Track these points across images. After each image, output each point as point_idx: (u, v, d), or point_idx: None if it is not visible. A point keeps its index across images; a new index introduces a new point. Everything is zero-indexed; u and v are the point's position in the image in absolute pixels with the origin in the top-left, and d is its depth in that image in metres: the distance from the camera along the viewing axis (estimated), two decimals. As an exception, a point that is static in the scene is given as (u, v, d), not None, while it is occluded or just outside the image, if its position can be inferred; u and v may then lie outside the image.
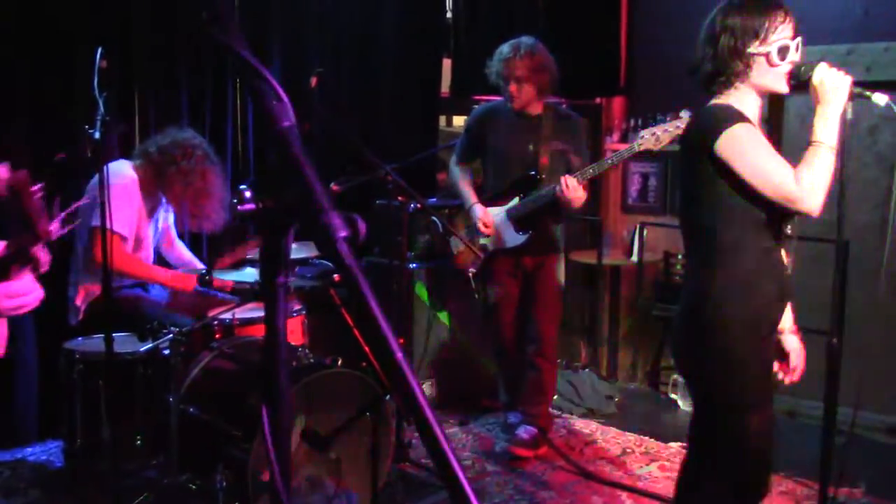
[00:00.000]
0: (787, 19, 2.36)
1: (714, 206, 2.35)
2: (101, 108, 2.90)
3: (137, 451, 3.28)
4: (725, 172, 2.30)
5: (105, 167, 2.89)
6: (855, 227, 4.75)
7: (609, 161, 3.87)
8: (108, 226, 2.86)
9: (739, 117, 2.33)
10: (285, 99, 0.89)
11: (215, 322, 3.49)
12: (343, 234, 0.83)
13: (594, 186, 4.31)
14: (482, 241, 4.11)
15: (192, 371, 3.31)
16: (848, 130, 2.41)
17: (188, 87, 4.28)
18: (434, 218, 4.10)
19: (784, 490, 3.74)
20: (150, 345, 3.06)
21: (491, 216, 4.05)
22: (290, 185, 0.86)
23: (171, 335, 3.08)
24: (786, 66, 2.36)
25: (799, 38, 2.38)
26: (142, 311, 3.57)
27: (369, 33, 4.92)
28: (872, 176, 4.70)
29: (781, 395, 4.74)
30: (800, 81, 2.39)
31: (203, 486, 3.10)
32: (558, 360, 4.93)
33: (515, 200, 4.02)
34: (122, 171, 3.62)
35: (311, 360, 3.29)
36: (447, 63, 5.18)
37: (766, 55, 2.34)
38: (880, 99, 2.37)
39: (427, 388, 4.59)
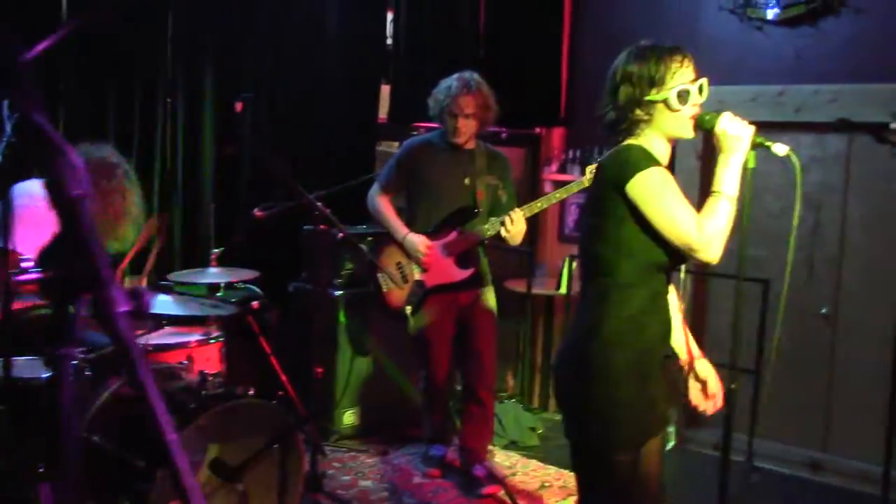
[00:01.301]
0: (685, 63, 2.39)
1: (618, 243, 2.39)
2: (8, 131, 2.84)
3: (40, 479, 3.19)
4: (634, 213, 2.34)
5: (11, 188, 2.84)
6: (781, 265, 4.81)
7: (556, 195, 3.88)
8: (6, 245, 2.81)
9: (653, 160, 2.37)
10: (79, 165, 0.87)
11: (128, 347, 3.43)
12: (123, 308, 0.81)
13: (532, 217, 4.30)
14: (416, 276, 4.03)
15: (98, 398, 3.24)
16: (749, 178, 2.46)
17: (116, 104, 4.21)
18: (362, 246, 4.07)
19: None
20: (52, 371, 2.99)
21: (434, 245, 3.99)
22: (76, 256, 0.84)
23: (74, 360, 3.02)
24: (689, 110, 2.39)
25: (702, 80, 2.41)
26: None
27: (308, 57, 4.90)
28: (800, 215, 4.77)
29: (710, 429, 4.80)
30: (704, 130, 2.42)
31: (105, 517, 3.04)
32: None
33: (453, 235, 3.99)
34: (29, 191, 3.52)
35: (223, 390, 3.24)
36: (386, 89, 5.18)
37: (665, 102, 2.37)
38: (780, 149, 2.41)
39: (350, 415, 4.56)
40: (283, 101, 4.83)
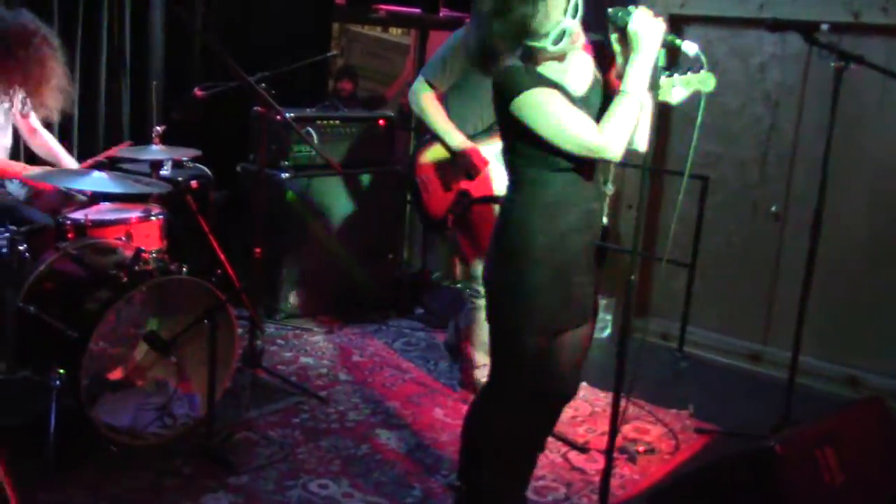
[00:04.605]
0: None
1: (521, 153, 2.46)
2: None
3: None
4: (523, 128, 2.37)
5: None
6: (736, 161, 4.83)
7: None
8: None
9: (537, 81, 2.36)
10: None
11: (68, 221, 3.46)
12: None
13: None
14: (461, 185, 3.64)
15: (35, 270, 3.32)
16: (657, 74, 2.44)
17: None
18: (309, 130, 4.05)
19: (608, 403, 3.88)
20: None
21: (488, 160, 3.58)
22: None
23: (7, 233, 3.09)
24: (568, 40, 2.34)
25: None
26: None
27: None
28: (758, 112, 4.77)
29: (654, 318, 4.92)
30: (616, 27, 2.41)
31: (40, 384, 3.15)
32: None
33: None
34: None
35: (156, 266, 3.30)
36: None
37: (542, 51, 2.36)
38: (690, 48, 2.39)
39: (296, 295, 4.66)
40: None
